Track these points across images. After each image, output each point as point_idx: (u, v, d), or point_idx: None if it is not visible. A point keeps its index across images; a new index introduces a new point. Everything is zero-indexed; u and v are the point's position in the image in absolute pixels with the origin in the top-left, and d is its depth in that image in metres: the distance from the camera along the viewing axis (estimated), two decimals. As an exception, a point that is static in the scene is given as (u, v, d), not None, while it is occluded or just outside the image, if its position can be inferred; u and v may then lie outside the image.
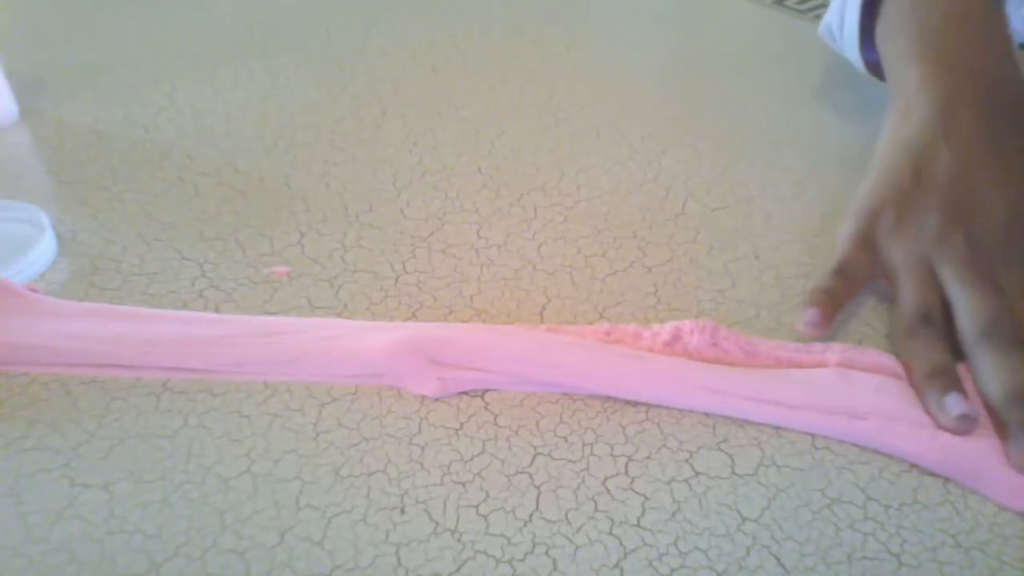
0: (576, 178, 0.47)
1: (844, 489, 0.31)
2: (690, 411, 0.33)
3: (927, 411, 0.33)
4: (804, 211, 0.45)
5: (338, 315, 0.38)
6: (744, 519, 0.30)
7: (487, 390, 0.34)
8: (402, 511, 0.30)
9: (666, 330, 0.36)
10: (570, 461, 0.32)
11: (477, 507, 0.30)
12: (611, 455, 0.32)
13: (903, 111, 0.41)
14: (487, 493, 0.31)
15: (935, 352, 0.34)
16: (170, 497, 0.30)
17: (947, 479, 0.31)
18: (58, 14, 0.66)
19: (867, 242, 0.38)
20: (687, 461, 0.32)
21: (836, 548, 0.29)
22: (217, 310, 0.38)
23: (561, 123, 0.52)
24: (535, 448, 0.32)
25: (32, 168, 0.48)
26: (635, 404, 0.34)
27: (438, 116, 0.53)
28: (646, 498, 0.30)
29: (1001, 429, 0.32)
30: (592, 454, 0.32)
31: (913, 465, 0.31)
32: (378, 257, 0.41)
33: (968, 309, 0.35)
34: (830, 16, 0.52)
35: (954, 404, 0.32)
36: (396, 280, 0.40)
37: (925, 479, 0.31)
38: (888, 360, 0.35)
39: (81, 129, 0.51)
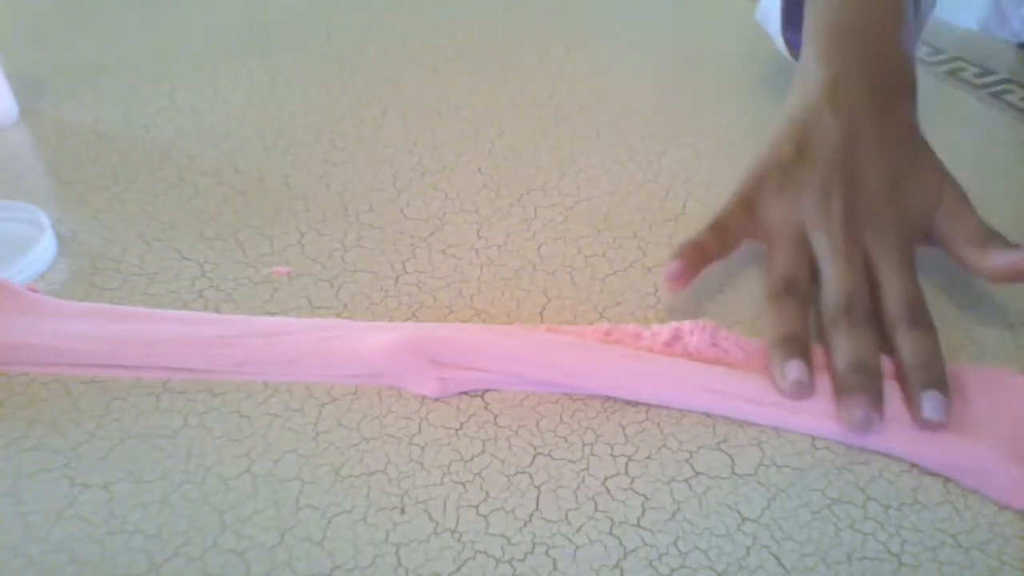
0: (576, 178, 0.47)
1: (844, 489, 0.31)
2: (690, 411, 0.33)
3: (771, 373, 0.34)
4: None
5: (338, 315, 0.38)
6: (744, 519, 0.30)
7: (487, 390, 0.34)
8: (402, 511, 0.30)
9: (666, 330, 0.36)
10: (570, 461, 0.32)
11: (477, 507, 0.30)
12: (611, 455, 0.32)
13: (800, 85, 0.42)
14: (487, 493, 0.31)
15: (791, 319, 0.35)
16: (170, 497, 0.30)
17: (947, 479, 0.31)
18: (58, 14, 0.66)
19: (748, 204, 0.39)
20: (687, 461, 0.32)
21: (836, 548, 0.29)
22: (217, 310, 0.38)
23: (561, 123, 0.52)
24: (535, 448, 0.32)
25: (32, 168, 0.48)
26: (635, 404, 0.34)
27: (438, 116, 0.53)
28: (646, 498, 0.30)
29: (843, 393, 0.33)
30: (592, 454, 0.32)
31: (913, 465, 0.31)
32: (378, 257, 0.41)
33: (832, 283, 0.36)
34: (764, 1, 0.53)
35: (792, 369, 0.33)
36: (396, 280, 0.40)
37: (925, 479, 0.31)
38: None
39: (81, 129, 0.51)
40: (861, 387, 0.32)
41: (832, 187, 0.38)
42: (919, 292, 0.36)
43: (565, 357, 0.34)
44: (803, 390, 0.33)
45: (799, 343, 0.34)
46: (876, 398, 0.32)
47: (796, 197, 0.38)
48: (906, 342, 0.34)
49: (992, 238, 0.37)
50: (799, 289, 0.36)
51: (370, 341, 0.35)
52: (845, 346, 0.34)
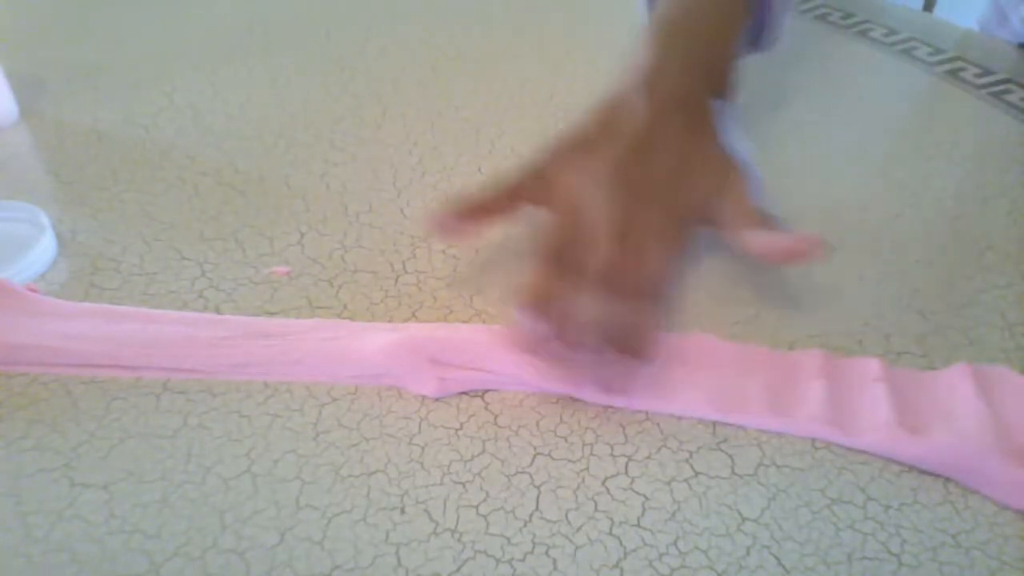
0: (576, 178, 0.47)
1: (844, 489, 0.31)
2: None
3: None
4: (804, 211, 0.44)
5: (338, 315, 0.38)
6: (744, 519, 0.30)
7: (487, 390, 0.34)
8: (402, 511, 0.30)
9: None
10: (570, 461, 0.32)
11: (477, 507, 0.30)
12: (611, 455, 0.32)
13: (627, 68, 0.43)
14: (487, 493, 0.31)
15: (545, 283, 0.36)
16: (170, 497, 0.30)
17: (947, 479, 0.31)
18: (58, 14, 0.66)
19: (538, 172, 0.40)
20: (687, 461, 0.32)
21: (836, 548, 0.29)
22: (217, 310, 0.38)
23: (561, 123, 0.52)
24: (535, 448, 0.32)
25: (32, 168, 0.48)
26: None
27: (438, 116, 0.53)
28: (646, 498, 0.30)
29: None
30: (592, 454, 0.32)
31: (913, 465, 0.31)
32: (378, 257, 0.41)
33: (595, 256, 0.36)
34: None
35: (524, 316, 0.33)
36: (396, 280, 0.40)
37: (925, 479, 0.31)
38: (875, 365, 0.35)
39: (81, 129, 0.51)
40: (577, 349, 0.33)
41: (621, 167, 0.39)
42: (662, 270, 0.37)
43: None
44: (527, 347, 0.34)
45: (543, 301, 0.35)
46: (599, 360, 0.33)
47: (587, 172, 0.39)
48: (631, 312, 0.35)
49: (762, 222, 0.38)
50: (564, 260, 0.37)
51: (370, 341, 0.35)
52: (583, 311, 0.34)
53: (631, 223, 0.37)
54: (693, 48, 0.43)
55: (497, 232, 0.42)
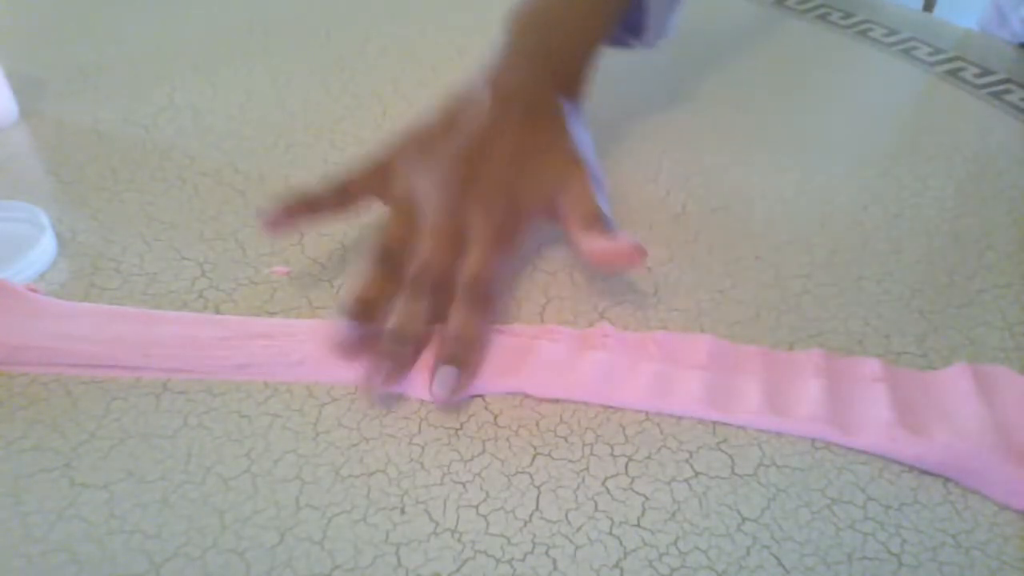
0: (576, 178, 0.47)
1: (844, 489, 0.31)
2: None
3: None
4: (804, 211, 0.45)
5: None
6: (744, 519, 0.30)
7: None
8: (402, 511, 0.30)
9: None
10: (570, 461, 0.32)
11: (477, 507, 0.30)
12: (611, 455, 0.32)
13: (485, 61, 0.43)
14: (487, 493, 0.31)
15: (372, 285, 0.36)
16: (170, 497, 0.30)
17: (947, 479, 0.31)
18: (58, 14, 0.66)
19: (381, 167, 0.40)
20: (687, 461, 0.32)
21: (836, 548, 0.29)
22: (217, 310, 0.38)
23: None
24: (535, 448, 0.32)
25: (32, 168, 0.48)
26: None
27: (438, 116, 0.53)
28: (646, 498, 0.30)
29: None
30: (592, 454, 0.32)
31: (913, 465, 0.31)
32: (378, 257, 0.41)
33: (418, 255, 0.37)
34: None
35: (340, 328, 0.34)
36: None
37: (925, 479, 0.31)
38: (875, 365, 0.35)
39: (81, 129, 0.51)
40: (387, 355, 0.33)
41: (457, 163, 0.39)
42: (490, 270, 0.36)
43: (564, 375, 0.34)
44: (342, 351, 0.34)
45: (366, 306, 0.35)
46: (398, 366, 0.33)
47: (423, 168, 0.39)
48: (452, 317, 0.35)
49: (597, 223, 0.37)
50: (395, 258, 0.37)
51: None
52: (398, 314, 0.35)
53: (460, 222, 0.37)
54: (544, 42, 0.43)
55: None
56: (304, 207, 0.39)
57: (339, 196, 0.39)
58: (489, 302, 0.36)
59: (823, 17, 0.64)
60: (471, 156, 0.39)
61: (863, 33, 0.61)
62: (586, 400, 0.34)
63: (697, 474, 0.31)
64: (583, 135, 0.42)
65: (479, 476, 0.31)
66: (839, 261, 0.41)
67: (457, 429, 0.33)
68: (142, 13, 0.66)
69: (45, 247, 0.40)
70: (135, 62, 0.59)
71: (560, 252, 0.42)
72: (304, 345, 0.36)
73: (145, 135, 0.51)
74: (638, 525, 0.29)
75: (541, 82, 0.42)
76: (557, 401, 0.34)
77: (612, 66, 0.60)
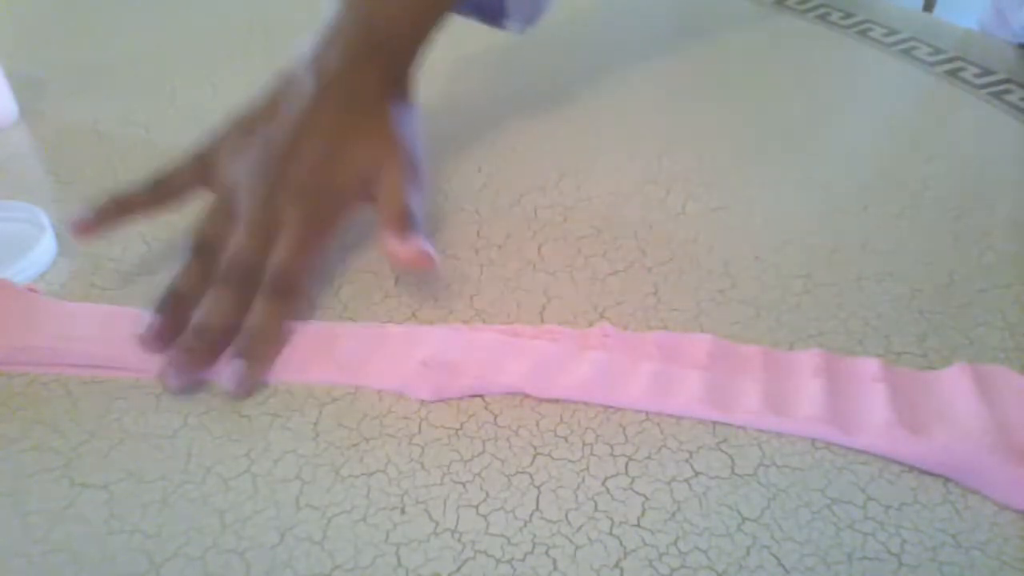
0: (576, 178, 0.47)
1: (844, 489, 0.31)
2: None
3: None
4: (804, 211, 0.45)
5: (338, 315, 0.38)
6: (744, 519, 0.30)
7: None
8: (402, 511, 0.30)
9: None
10: (570, 461, 0.32)
11: (477, 507, 0.30)
12: (611, 455, 0.32)
13: (314, 39, 0.41)
14: (487, 493, 0.31)
15: (186, 279, 0.36)
16: (170, 497, 0.30)
17: (947, 479, 0.31)
18: (58, 14, 0.66)
19: (203, 157, 0.39)
20: (687, 461, 0.32)
21: (836, 548, 0.29)
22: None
23: (561, 123, 0.52)
24: (535, 448, 0.32)
25: (32, 168, 0.48)
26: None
27: (438, 116, 0.53)
28: (646, 498, 0.30)
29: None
30: (592, 454, 0.32)
31: (913, 465, 0.31)
32: (378, 257, 0.41)
33: (229, 247, 0.36)
34: None
35: (146, 322, 0.34)
36: (396, 280, 0.40)
37: (925, 479, 0.31)
38: (875, 365, 0.35)
39: (81, 129, 0.51)
40: (187, 349, 0.33)
41: (272, 151, 0.38)
42: (297, 262, 0.36)
43: (567, 378, 0.34)
44: (144, 344, 0.34)
45: (176, 300, 0.35)
46: (193, 360, 0.33)
47: (244, 156, 0.38)
48: (254, 310, 0.35)
49: (400, 222, 0.37)
50: (211, 250, 0.37)
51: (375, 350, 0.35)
52: (203, 308, 0.35)
53: (272, 212, 0.36)
54: (369, 18, 0.41)
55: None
56: (115, 208, 0.38)
57: (155, 193, 0.39)
58: (291, 294, 0.36)
59: (823, 17, 0.64)
60: (286, 143, 0.38)
61: (863, 33, 0.61)
62: (586, 400, 0.34)
63: (697, 474, 0.31)
64: (407, 123, 0.41)
65: (479, 476, 0.31)
66: (839, 261, 0.41)
67: (457, 429, 0.33)
68: (142, 13, 0.66)
69: (45, 247, 0.40)
70: (135, 62, 0.59)
71: (560, 252, 0.42)
72: (304, 352, 0.36)
73: (145, 135, 0.51)
74: (638, 525, 0.29)
75: (364, 64, 0.40)
76: (557, 401, 0.34)
77: (612, 66, 0.60)
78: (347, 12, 0.41)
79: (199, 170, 0.39)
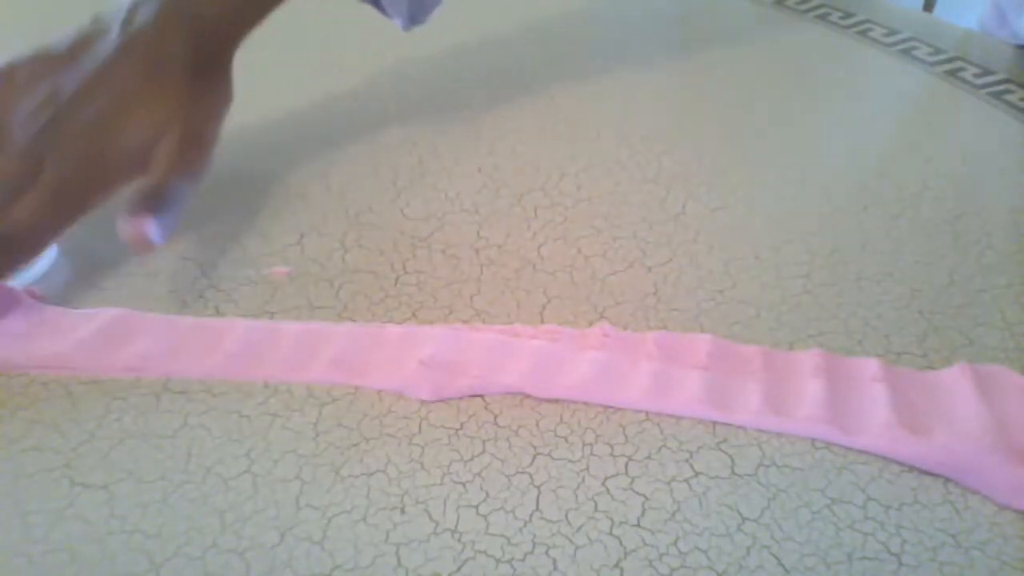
0: (576, 178, 0.47)
1: (844, 489, 0.31)
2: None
3: None
4: (804, 211, 0.45)
5: (338, 315, 0.38)
6: (744, 519, 0.30)
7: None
8: (402, 511, 0.30)
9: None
10: (570, 461, 0.32)
11: (477, 507, 0.30)
12: (611, 455, 0.32)
13: None
14: (487, 493, 0.31)
15: None
16: (170, 497, 0.30)
17: (947, 479, 0.31)
18: (58, 14, 0.66)
19: None
20: (687, 461, 0.32)
21: (836, 548, 0.29)
22: (217, 310, 0.38)
23: (561, 123, 0.52)
24: (535, 448, 0.32)
25: (32, 168, 0.48)
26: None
27: (438, 116, 0.53)
28: (646, 498, 0.30)
29: None
30: (592, 454, 0.32)
31: (913, 465, 0.31)
32: (378, 257, 0.41)
33: None
34: None
35: None
36: (396, 280, 0.40)
37: (925, 479, 0.31)
38: (875, 365, 0.35)
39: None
40: None
41: (53, 101, 0.36)
42: (27, 227, 0.35)
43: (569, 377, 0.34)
44: None
45: None
46: None
47: (23, 95, 0.37)
48: None
49: (148, 198, 0.35)
50: None
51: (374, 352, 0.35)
52: None
53: (28, 166, 0.35)
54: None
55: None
56: None
57: None
58: (14, 255, 0.35)
59: (823, 17, 0.64)
60: (69, 99, 0.36)
61: (863, 33, 0.61)
62: (586, 400, 0.34)
63: (697, 474, 0.31)
64: (207, 103, 0.39)
65: (479, 476, 0.31)
66: (839, 261, 0.41)
67: (457, 429, 0.33)
68: (142, 13, 0.66)
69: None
70: (135, 62, 0.58)
71: (560, 252, 0.42)
72: (306, 357, 0.36)
73: (145, 135, 0.51)
74: (638, 525, 0.29)
75: (172, 30, 0.38)
76: (557, 401, 0.34)
77: (612, 65, 0.60)
78: None
79: None
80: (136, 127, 0.37)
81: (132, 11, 0.38)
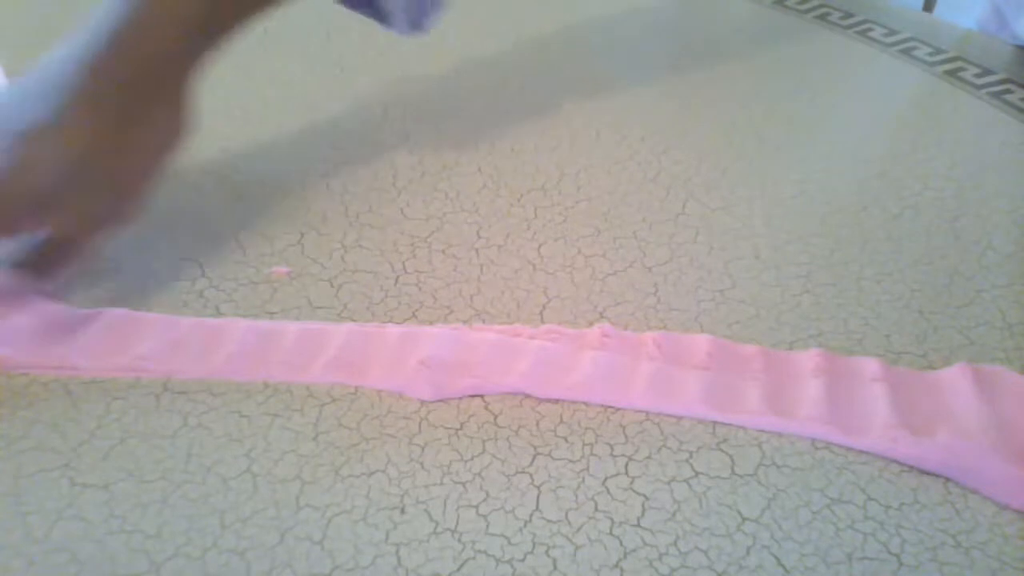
0: (576, 178, 0.47)
1: (844, 489, 0.31)
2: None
3: None
4: (804, 211, 0.45)
5: (338, 315, 0.38)
6: (744, 519, 0.30)
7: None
8: (402, 511, 0.30)
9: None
10: (570, 461, 0.32)
11: (477, 507, 0.30)
12: (611, 455, 0.32)
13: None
14: (487, 493, 0.31)
15: None
16: (170, 497, 0.30)
17: (947, 479, 0.31)
18: (58, 14, 0.66)
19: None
20: (687, 461, 0.32)
21: (836, 548, 0.29)
22: (217, 310, 0.38)
23: (561, 123, 0.52)
24: (535, 448, 0.32)
25: (32, 168, 0.48)
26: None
27: (438, 115, 0.53)
28: (646, 498, 0.30)
29: None
30: (592, 454, 0.32)
31: (913, 465, 0.31)
32: (378, 257, 0.41)
33: None
34: None
35: None
36: (396, 280, 0.40)
37: (925, 479, 0.31)
38: (875, 365, 0.35)
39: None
40: None
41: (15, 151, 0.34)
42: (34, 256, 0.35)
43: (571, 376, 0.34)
44: None
45: None
46: None
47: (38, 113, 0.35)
48: None
49: (32, 252, 0.34)
50: None
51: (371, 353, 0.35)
52: None
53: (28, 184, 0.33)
54: (141, 20, 0.36)
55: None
56: None
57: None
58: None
59: (823, 17, 0.64)
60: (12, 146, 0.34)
61: (863, 33, 0.61)
62: (586, 400, 0.34)
63: (697, 474, 0.31)
64: (144, 132, 0.36)
65: (479, 476, 0.31)
66: (839, 261, 0.41)
67: (457, 429, 0.33)
68: (142, 13, 0.65)
69: (45, 247, 0.40)
70: (135, 62, 0.58)
71: (560, 252, 0.42)
72: (307, 359, 0.36)
73: (145, 135, 0.51)
74: (638, 525, 0.29)
75: (112, 44, 0.36)
76: (557, 401, 0.34)
77: (612, 66, 0.60)
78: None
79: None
80: (44, 160, 0.33)
81: (91, 26, 0.37)
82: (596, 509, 0.30)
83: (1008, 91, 0.54)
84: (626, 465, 0.32)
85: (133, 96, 0.35)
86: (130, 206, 0.36)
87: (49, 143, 0.33)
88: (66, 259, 0.34)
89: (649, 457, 0.32)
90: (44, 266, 0.33)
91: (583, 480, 0.31)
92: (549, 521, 0.30)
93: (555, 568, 0.28)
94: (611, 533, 0.29)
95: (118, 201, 0.36)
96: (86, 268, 0.35)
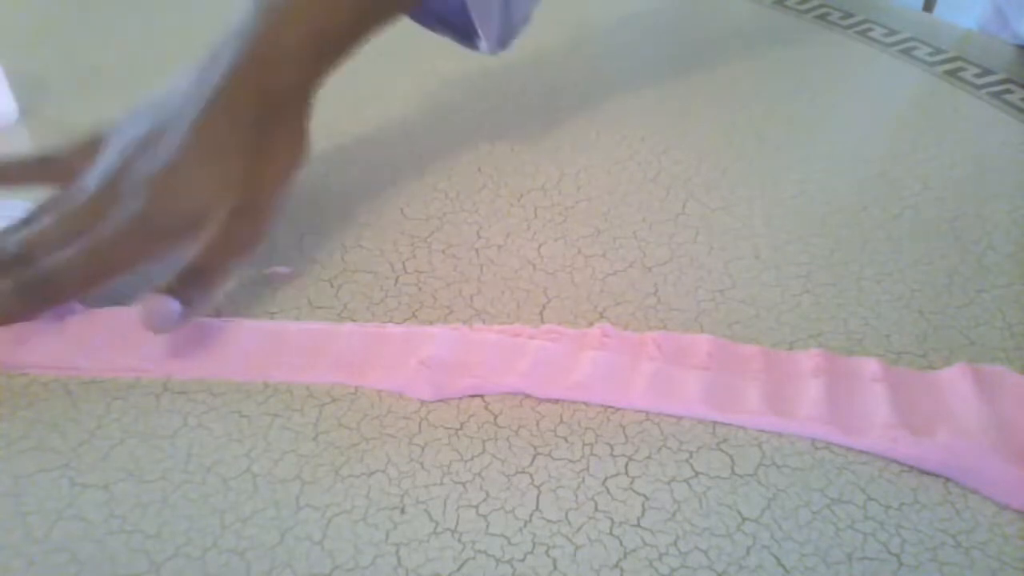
0: (576, 178, 0.47)
1: (844, 489, 0.31)
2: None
3: None
4: (804, 211, 0.45)
5: (338, 315, 0.38)
6: (744, 519, 0.30)
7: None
8: (402, 511, 0.30)
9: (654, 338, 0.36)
10: (570, 461, 0.32)
11: (477, 507, 0.30)
12: (611, 455, 0.32)
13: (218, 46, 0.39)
14: (487, 493, 0.31)
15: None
16: (170, 497, 0.30)
17: (947, 479, 0.31)
18: (58, 14, 0.66)
19: (95, 143, 0.39)
20: (687, 461, 0.32)
21: (836, 548, 0.29)
22: (217, 310, 0.38)
23: (561, 123, 0.52)
24: (535, 448, 0.32)
25: (32, 168, 0.48)
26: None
27: (438, 116, 0.53)
28: (646, 498, 0.30)
29: None
30: (592, 454, 0.32)
31: (913, 465, 0.31)
32: (378, 257, 0.41)
33: (41, 221, 0.36)
34: None
35: None
36: (396, 280, 0.40)
37: (925, 479, 0.31)
38: (875, 365, 0.35)
39: (81, 129, 0.51)
40: None
41: (125, 148, 0.37)
42: (61, 273, 0.35)
43: (574, 376, 0.34)
44: None
45: None
46: None
47: (120, 136, 0.38)
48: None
49: (174, 280, 0.34)
50: (24, 253, 0.35)
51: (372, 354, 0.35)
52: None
53: (92, 210, 0.35)
54: (268, 37, 0.38)
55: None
56: None
57: (40, 167, 0.39)
58: (55, 297, 0.35)
59: (823, 17, 0.64)
60: (133, 151, 0.36)
61: (863, 33, 0.61)
62: (586, 400, 0.34)
63: (697, 474, 0.31)
64: (274, 160, 0.37)
65: (479, 476, 0.31)
66: (839, 261, 0.41)
67: (457, 429, 0.33)
68: (142, 13, 0.66)
69: (45, 247, 0.40)
70: (135, 62, 0.59)
71: (560, 252, 0.42)
72: (310, 357, 0.36)
73: (145, 135, 0.51)
74: (638, 525, 0.29)
75: (245, 80, 0.37)
76: (557, 401, 0.34)
77: (612, 66, 0.60)
78: (254, 18, 0.38)
79: (90, 154, 0.38)
80: (189, 191, 0.36)
81: (212, 58, 0.38)
82: (596, 509, 0.30)
83: (1008, 91, 0.54)
84: (626, 465, 0.32)
85: (261, 129, 0.37)
86: (264, 230, 0.37)
87: (192, 176, 0.36)
88: (209, 284, 0.35)
89: (649, 457, 0.32)
90: (187, 292, 0.34)
91: (583, 480, 0.31)
92: (549, 521, 0.30)
93: (555, 568, 0.28)
94: (611, 533, 0.29)
95: (254, 226, 0.37)
96: (222, 291, 0.36)
